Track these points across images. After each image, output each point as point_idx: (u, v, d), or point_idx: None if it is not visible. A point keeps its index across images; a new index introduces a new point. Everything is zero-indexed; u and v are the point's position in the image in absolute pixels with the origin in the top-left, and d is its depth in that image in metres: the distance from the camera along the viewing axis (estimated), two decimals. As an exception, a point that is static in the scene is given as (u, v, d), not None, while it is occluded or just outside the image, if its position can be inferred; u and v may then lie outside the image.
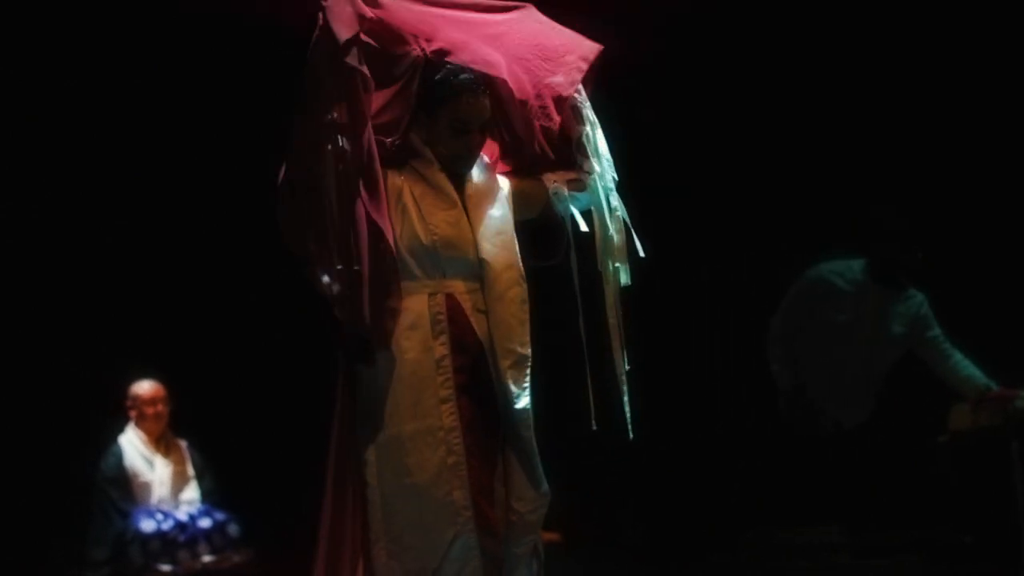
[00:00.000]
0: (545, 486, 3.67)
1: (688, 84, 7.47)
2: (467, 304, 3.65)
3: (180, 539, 6.51)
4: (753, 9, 7.15)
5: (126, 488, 6.60)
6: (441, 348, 3.60)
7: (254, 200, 7.50)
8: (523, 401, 3.62)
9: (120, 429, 6.73)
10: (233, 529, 6.65)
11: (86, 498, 6.63)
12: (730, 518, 6.95)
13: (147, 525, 6.48)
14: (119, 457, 6.64)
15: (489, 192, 3.76)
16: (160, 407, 6.74)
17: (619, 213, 3.82)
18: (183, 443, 6.85)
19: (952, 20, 6.93)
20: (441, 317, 3.61)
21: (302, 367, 7.44)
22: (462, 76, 3.65)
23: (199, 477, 6.80)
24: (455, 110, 3.66)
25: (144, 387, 6.75)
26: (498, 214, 3.73)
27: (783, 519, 6.48)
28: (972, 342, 6.54)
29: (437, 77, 3.65)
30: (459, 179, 3.73)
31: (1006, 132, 7.03)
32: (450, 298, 3.64)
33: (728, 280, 7.55)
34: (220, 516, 6.66)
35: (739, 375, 7.46)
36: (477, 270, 3.67)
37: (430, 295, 3.62)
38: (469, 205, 3.72)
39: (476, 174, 3.77)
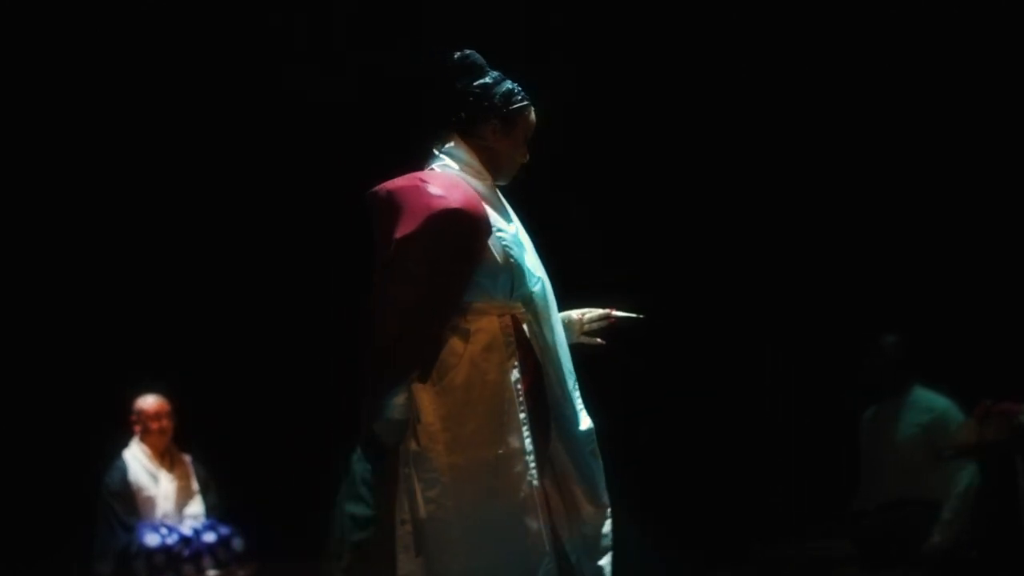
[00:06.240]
0: (606, 497, 3.63)
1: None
2: (525, 325, 3.60)
3: (184, 553, 6.49)
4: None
5: (130, 502, 6.58)
6: (515, 370, 3.54)
7: (259, 213, 7.60)
8: (588, 421, 3.61)
9: (124, 444, 6.71)
10: (237, 543, 6.62)
11: (91, 512, 6.62)
12: (739, 532, 6.94)
13: (151, 539, 6.46)
14: (123, 471, 6.61)
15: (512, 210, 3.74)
16: (164, 422, 6.71)
17: None
18: (187, 457, 6.82)
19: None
20: (511, 339, 3.55)
21: (306, 381, 7.47)
22: (519, 87, 3.66)
23: (203, 491, 6.77)
24: (528, 119, 3.66)
25: (148, 402, 6.72)
26: (526, 236, 3.69)
27: (792, 532, 6.47)
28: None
29: (508, 87, 3.64)
30: None
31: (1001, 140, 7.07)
32: (515, 319, 3.58)
33: (732, 290, 7.54)
34: (224, 530, 6.63)
35: (747, 387, 7.46)
36: (527, 291, 3.60)
37: (499, 316, 3.56)
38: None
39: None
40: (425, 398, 3.50)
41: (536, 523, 3.49)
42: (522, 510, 3.48)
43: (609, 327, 3.79)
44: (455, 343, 3.52)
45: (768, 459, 7.28)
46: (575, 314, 3.77)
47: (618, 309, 3.79)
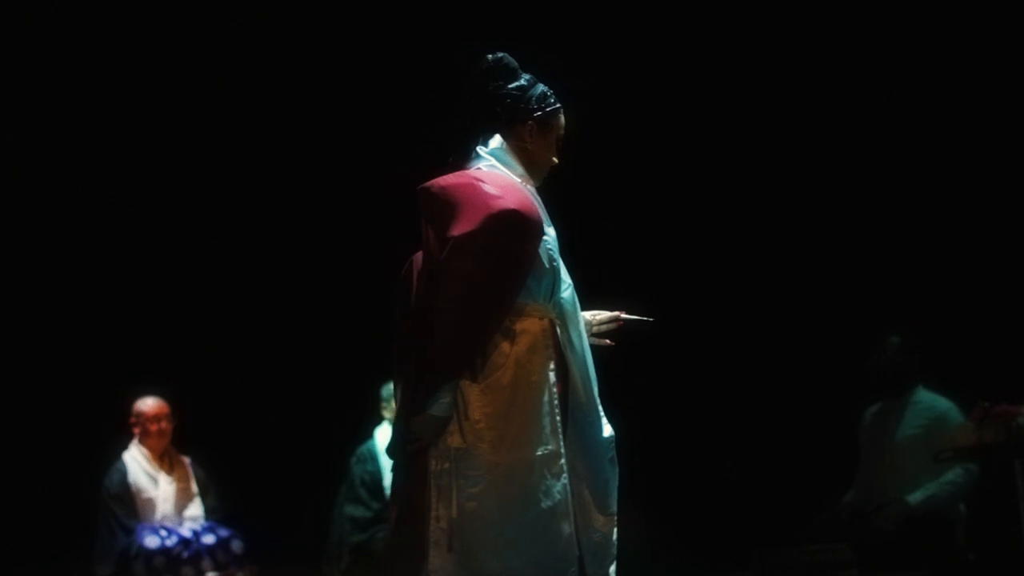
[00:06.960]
0: (615, 507, 3.64)
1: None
2: (559, 330, 3.60)
3: (184, 555, 6.49)
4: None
5: (130, 504, 6.59)
6: (552, 374, 3.55)
7: (258, 216, 7.61)
8: (609, 427, 3.63)
9: (124, 446, 6.72)
10: (236, 545, 6.63)
11: (91, 514, 6.63)
12: (740, 535, 6.93)
13: (151, 541, 6.47)
14: (123, 474, 6.63)
15: None
16: (164, 424, 6.72)
17: None
18: (187, 460, 6.84)
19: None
20: (550, 343, 3.55)
21: (306, 384, 7.48)
22: (551, 90, 3.69)
23: (203, 494, 6.78)
24: (560, 121, 3.70)
25: (148, 404, 6.73)
26: None
27: (793, 536, 6.46)
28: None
29: (542, 89, 3.68)
30: None
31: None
32: (551, 323, 3.58)
33: (733, 291, 7.54)
34: (224, 532, 6.64)
35: (748, 388, 7.45)
36: (559, 296, 3.59)
37: (539, 319, 3.55)
38: None
39: None
40: (472, 396, 3.48)
41: (569, 526, 3.50)
42: (558, 513, 3.49)
43: (618, 329, 3.79)
44: (502, 343, 3.51)
45: (769, 461, 7.26)
46: (586, 315, 3.77)
47: (626, 312, 3.80)
